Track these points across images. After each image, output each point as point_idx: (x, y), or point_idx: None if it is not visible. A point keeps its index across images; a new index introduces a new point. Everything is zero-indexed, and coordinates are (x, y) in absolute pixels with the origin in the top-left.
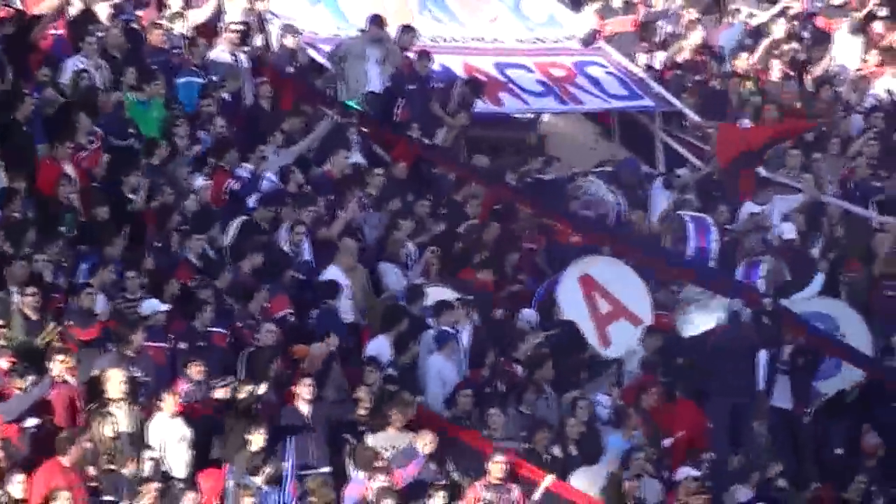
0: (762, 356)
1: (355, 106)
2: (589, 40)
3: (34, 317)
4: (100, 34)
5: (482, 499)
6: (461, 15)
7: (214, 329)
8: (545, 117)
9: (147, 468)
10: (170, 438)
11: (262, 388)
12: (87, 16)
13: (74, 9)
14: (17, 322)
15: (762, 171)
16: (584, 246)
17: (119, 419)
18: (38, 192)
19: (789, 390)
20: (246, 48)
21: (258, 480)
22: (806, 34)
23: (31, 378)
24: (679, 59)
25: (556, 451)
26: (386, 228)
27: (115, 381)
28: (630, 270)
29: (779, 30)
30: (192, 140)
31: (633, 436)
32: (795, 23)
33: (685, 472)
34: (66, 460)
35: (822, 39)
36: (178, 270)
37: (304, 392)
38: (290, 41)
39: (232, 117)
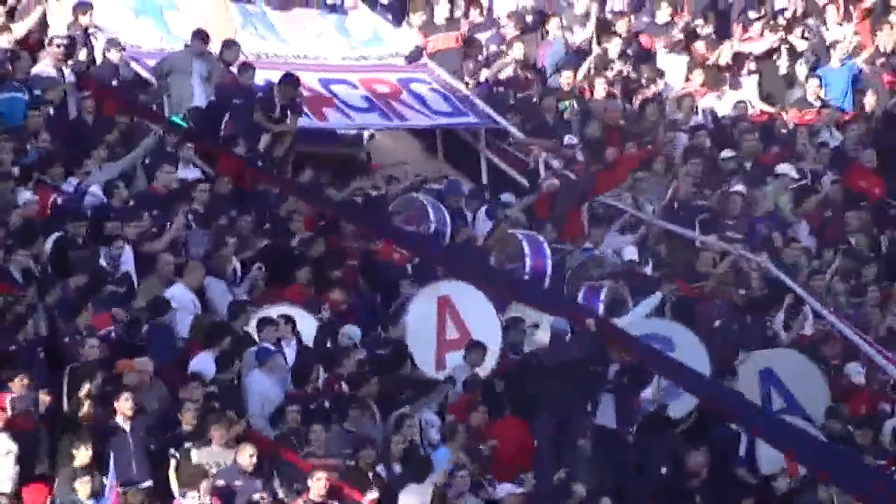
0: None
1: (179, 121)
2: (413, 57)
3: None
4: None
5: None
6: (284, 32)
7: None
8: (371, 133)
9: None
10: None
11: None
12: None
13: None
14: None
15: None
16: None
17: None
18: None
19: (613, 409)
20: (70, 62)
21: (82, 495)
22: (630, 52)
23: None
24: (502, 76)
25: (381, 469)
26: (212, 244)
27: None
28: (490, 306)
29: (606, 48)
30: (16, 155)
31: (459, 453)
32: (620, 41)
33: (507, 488)
34: None
35: (646, 58)
36: None
37: (124, 407)
38: (113, 55)
39: (55, 131)
